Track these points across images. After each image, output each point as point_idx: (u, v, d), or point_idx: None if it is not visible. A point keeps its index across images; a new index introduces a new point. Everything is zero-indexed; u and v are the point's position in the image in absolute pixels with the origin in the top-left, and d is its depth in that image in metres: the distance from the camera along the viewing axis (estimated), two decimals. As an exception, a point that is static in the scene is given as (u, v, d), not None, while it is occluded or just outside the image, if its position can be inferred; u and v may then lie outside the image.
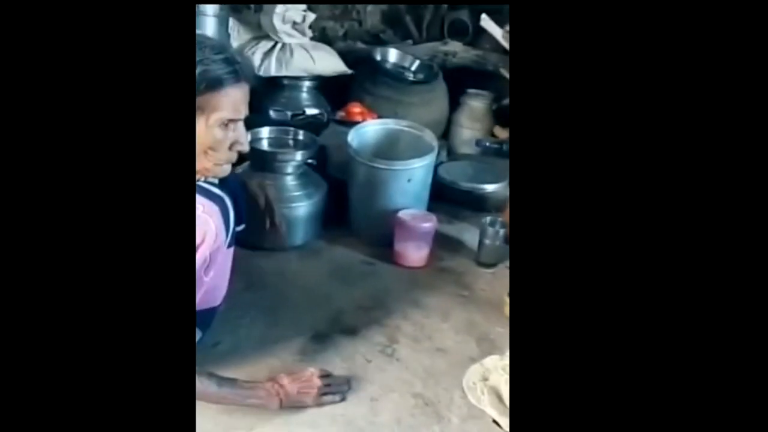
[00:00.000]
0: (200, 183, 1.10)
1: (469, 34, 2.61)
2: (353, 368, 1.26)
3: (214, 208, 1.08)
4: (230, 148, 1.08)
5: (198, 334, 1.21)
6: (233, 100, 1.04)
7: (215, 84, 1.01)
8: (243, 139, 1.09)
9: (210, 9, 1.99)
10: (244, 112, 1.08)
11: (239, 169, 1.61)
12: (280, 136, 1.77)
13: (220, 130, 1.05)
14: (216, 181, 1.14)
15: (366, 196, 1.73)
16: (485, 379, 1.18)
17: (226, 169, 1.12)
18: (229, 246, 1.18)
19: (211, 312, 1.23)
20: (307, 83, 2.24)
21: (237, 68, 1.04)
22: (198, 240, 1.06)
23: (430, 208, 1.78)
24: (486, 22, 2.34)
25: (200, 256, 1.06)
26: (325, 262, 1.66)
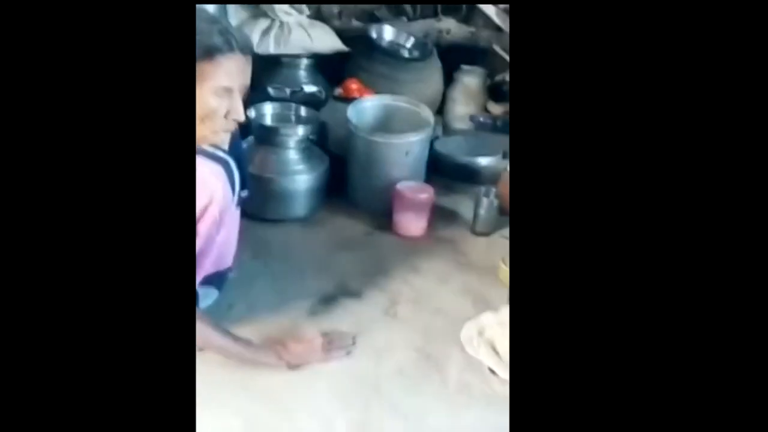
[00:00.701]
0: (204, 147, 1.14)
1: (463, 11, 2.67)
2: (358, 327, 1.35)
3: (219, 170, 1.14)
4: (226, 116, 1.10)
5: (214, 295, 1.29)
6: (227, 69, 1.06)
7: (208, 53, 1.03)
8: (238, 108, 1.10)
9: (209, -13, 2.04)
10: (239, 81, 1.10)
11: (244, 144, 1.67)
12: (283, 111, 1.84)
13: (214, 98, 1.07)
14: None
15: (365, 169, 1.81)
16: (481, 334, 1.28)
17: (224, 138, 1.16)
18: (237, 207, 1.25)
19: (224, 273, 1.30)
20: (304, 61, 2.29)
21: (230, 38, 1.06)
22: (206, 200, 1.12)
23: (427, 181, 1.86)
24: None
25: (210, 216, 1.14)
26: (328, 232, 1.74)
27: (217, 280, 1.28)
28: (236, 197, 1.21)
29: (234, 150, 1.23)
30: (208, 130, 1.11)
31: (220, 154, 1.16)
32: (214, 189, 1.13)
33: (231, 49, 1.06)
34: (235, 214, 1.25)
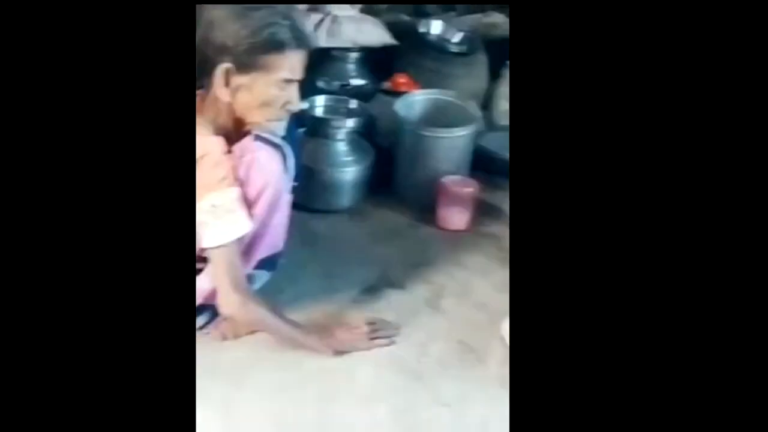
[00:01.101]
0: (261, 134, 1.20)
1: (511, 7, 2.66)
2: (401, 318, 1.39)
3: (276, 155, 1.20)
4: (282, 106, 1.18)
5: (266, 276, 1.34)
6: (292, 62, 1.15)
7: (279, 46, 1.12)
8: (295, 98, 1.19)
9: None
10: (299, 75, 1.18)
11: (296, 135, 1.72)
12: (333, 104, 1.88)
13: (276, 88, 1.15)
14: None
15: (411, 162, 1.83)
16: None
17: (277, 126, 1.22)
18: (290, 193, 1.30)
19: (276, 257, 1.35)
20: (353, 54, 2.32)
21: (300, 36, 1.16)
22: (262, 184, 1.18)
23: (471, 176, 1.87)
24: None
25: (266, 199, 1.19)
26: (373, 224, 1.77)
27: (269, 263, 1.33)
28: (290, 182, 1.26)
29: (289, 139, 1.28)
30: (263, 118, 1.18)
31: (277, 140, 1.21)
32: (270, 173, 1.18)
33: (299, 45, 1.15)
34: (287, 198, 1.30)
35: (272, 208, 1.22)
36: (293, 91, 1.18)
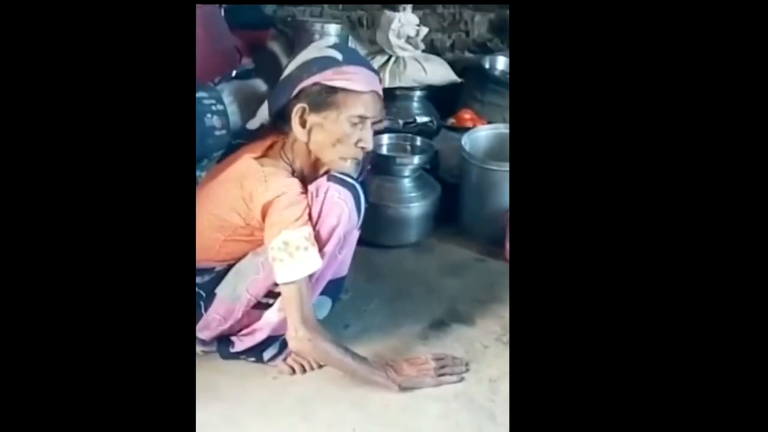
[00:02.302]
0: (335, 173, 1.23)
1: (577, 39, 2.63)
2: (471, 353, 1.35)
3: (348, 194, 1.22)
4: (356, 144, 1.22)
5: (328, 304, 1.35)
6: (366, 101, 1.20)
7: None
8: (368, 137, 1.23)
9: (332, 29, 2.18)
10: (372, 113, 1.22)
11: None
12: (399, 142, 1.91)
13: (349, 125, 1.19)
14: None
15: (478, 196, 1.82)
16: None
17: (350, 165, 1.24)
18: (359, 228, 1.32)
19: (340, 281, 1.36)
20: (418, 93, 2.36)
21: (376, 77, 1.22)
22: (334, 222, 1.20)
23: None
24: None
25: (336, 236, 1.21)
26: (439, 258, 1.76)
27: (331, 289, 1.33)
28: (360, 220, 1.28)
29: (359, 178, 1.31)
30: (337, 155, 1.22)
31: (350, 180, 1.24)
32: (342, 212, 1.21)
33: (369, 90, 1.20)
34: (356, 233, 1.32)
35: (341, 244, 1.24)
36: (367, 129, 1.22)
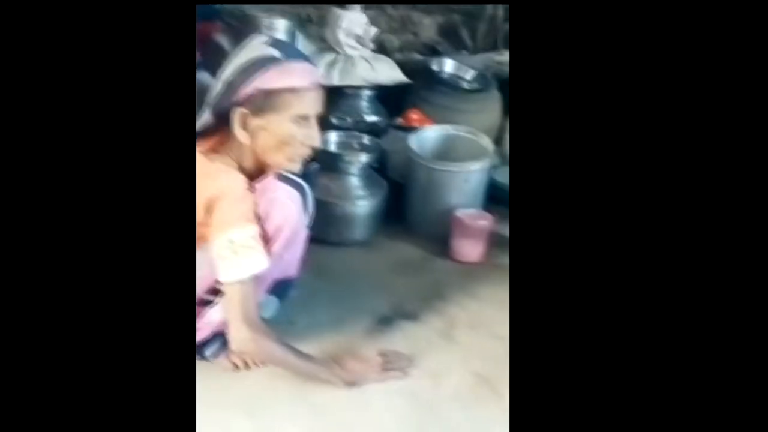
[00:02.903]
0: (282, 172, 1.22)
1: (522, 45, 2.71)
2: (416, 349, 1.37)
3: (296, 194, 1.21)
4: (302, 143, 1.20)
5: (275, 304, 1.34)
6: (309, 98, 1.18)
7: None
8: (314, 134, 1.21)
9: (281, 25, 2.16)
10: (315, 110, 1.20)
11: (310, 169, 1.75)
12: (346, 139, 1.92)
13: (293, 125, 1.17)
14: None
15: (425, 196, 1.84)
16: (540, 359, 1.27)
17: (298, 165, 1.23)
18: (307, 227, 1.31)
19: (288, 281, 1.35)
20: (367, 92, 2.37)
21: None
22: (280, 222, 1.19)
23: (485, 210, 1.88)
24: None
25: (283, 237, 1.20)
26: (386, 256, 1.77)
27: (279, 290, 1.33)
28: (309, 220, 1.27)
29: (307, 176, 1.30)
30: (284, 157, 1.20)
31: (298, 179, 1.23)
32: (289, 213, 1.19)
33: (311, 83, 1.18)
34: (304, 233, 1.31)
35: (288, 245, 1.23)
36: (312, 126, 1.20)
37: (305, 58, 1.25)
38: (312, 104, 1.19)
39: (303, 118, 1.18)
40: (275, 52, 1.17)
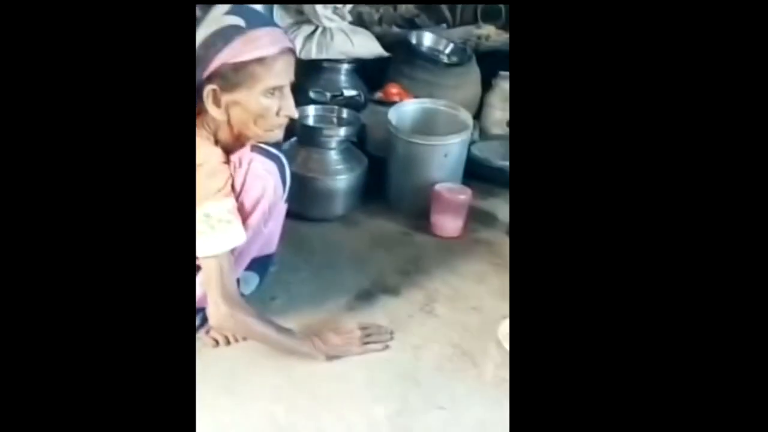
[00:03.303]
0: (259, 144, 1.20)
1: (502, 18, 2.69)
2: (396, 322, 1.38)
3: (272, 166, 1.19)
4: (277, 114, 1.16)
5: (255, 280, 1.34)
6: (276, 68, 1.11)
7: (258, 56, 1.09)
8: (289, 104, 1.16)
9: (257, -5, 2.11)
10: (288, 78, 1.15)
11: (286, 145, 1.73)
12: (325, 113, 1.89)
13: (265, 98, 1.12)
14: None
15: (404, 170, 1.84)
16: (519, 331, 1.29)
17: (277, 134, 1.20)
18: (286, 201, 1.29)
19: (266, 259, 1.35)
20: (345, 66, 2.34)
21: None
22: (258, 194, 1.17)
23: (464, 184, 1.88)
24: (519, 6, 2.43)
25: (260, 209, 1.18)
26: (366, 231, 1.77)
27: (259, 266, 1.32)
28: (286, 193, 1.26)
29: (283, 149, 1.29)
30: (261, 129, 1.17)
31: (273, 150, 1.21)
32: (266, 184, 1.18)
33: (279, 50, 1.12)
34: (282, 207, 1.30)
35: (266, 217, 1.22)
36: (286, 97, 1.17)
37: (270, 23, 1.20)
38: (283, 73, 1.14)
39: (276, 89, 1.14)
40: (238, 21, 1.11)
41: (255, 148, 1.19)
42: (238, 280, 1.28)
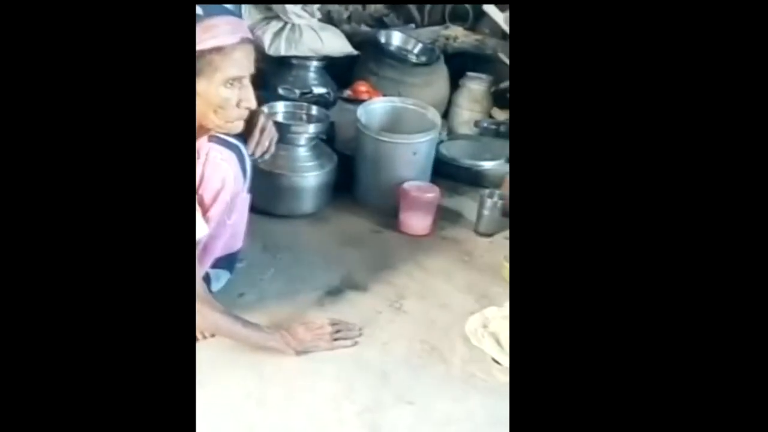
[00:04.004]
0: (217, 134, 1.18)
1: (470, 20, 2.73)
2: (365, 319, 1.39)
3: (232, 155, 1.18)
4: (238, 105, 1.14)
5: (226, 276, 1.33)
6: (236, 59, 1.09)
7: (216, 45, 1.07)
8: (249, 95, 1.14)
9: (225, -11, 2.09)
10: (248, 69, 1.13)
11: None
12: (294, 110, 1.89)
13: (225, 89, 1.10)
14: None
15: (373, 168, 1.85)
16: (485, 326, 1.32)
17: (238, 125, 1.18)
18: (247, 192, 1.27)
19: (234, 255, 1.34)
20: (314, 63, 2.34)
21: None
22: (218, 185, 1.16)
23: (432, 183, 1.90)
24: (489, 7, 2.46)
25: (222, 200, 1.17)
26: (335, 228, 1.78)
27: (227, 262, 1.31)
28: (247, 182, 1.25)
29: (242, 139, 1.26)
30: (222, 120, 1.15)
31: (232, 140, 1.19)
32: (226, 175, 1.17)
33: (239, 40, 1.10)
34: (245, 198, 1.28)
35: (229, 209, 1.21)
36: (245, 87, 1.13)
37: (229, 12, 1.19)
38: (242, 64, 1.11)
39: (235, 80, 1.11)
40: (197, 9, 1.09)
41: (212, 138, 1.17)
42: (208, 276, 1.27)
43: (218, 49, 1.08)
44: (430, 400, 1.19)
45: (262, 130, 1.27)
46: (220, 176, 1.15)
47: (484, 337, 1.29)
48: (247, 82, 1.14)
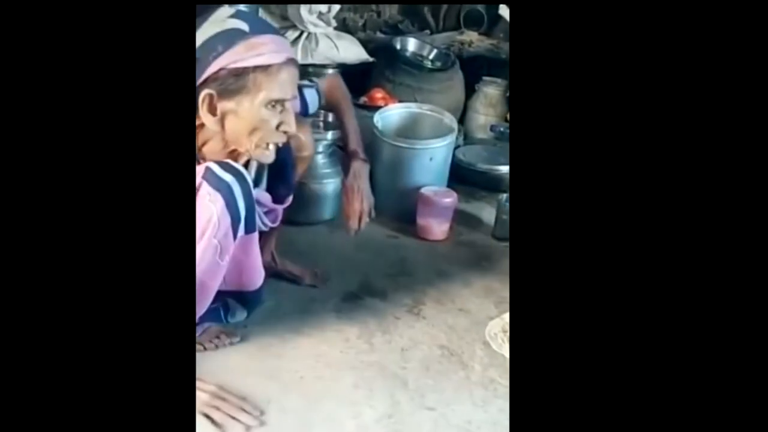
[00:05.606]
0: (211, 167, 1.08)
1: (484, 25, 2.73)
2: (384, 325, 1.39)
3: (218, 196, 1.07)
4: (277, 128, 1.10)
5: (243, 314, 1.29)
6: (281, 80, 1.06)
7: (263, 64, 1.05)
8: (290, 119, 1.10)
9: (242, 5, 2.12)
10: (291, 92, 1.09)
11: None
12: (312, 118, 1.90)
13: (266, 110, 1.07)
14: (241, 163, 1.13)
15: (390, 174, 1.85)
16: (506, 331, 1.31)
17: (269, 155, 1.12)
18: (249, 231, 1.15)
19: (248, 294, 1.26)
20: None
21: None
22: (203, 225, 1.07)
23: (449, 188, 1.90)
24: (505, 11, 2.47)
25: (206, 239, 1.08)
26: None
27: (239, 298, 1.26)
28: (243, 220, 1.12)
29: (282, 158, 1.20)
30: (253, 143, 1.10)
31: (225, 177, 1.08)
32: (210, 216, 1.08)
33: (286, 61, 1.08)
34: (248, 238, 1.16)
35: (219, 251, 1.10)
36: (287, 110, 1.09)
37: (275, 31, 1.17)
38: (287, 86, 1.08)
39: (278, 102, 1.07)
40: (242, 25, 1.06)
41: (207, 171, 1.08)
42: (218, 309, 1.25)
43: (263, 68, 1.05)
44: (450, 405, 1.18)
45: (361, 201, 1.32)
46: (206, 217, 1.07)
47: (505, 343, 1.28)
48: (289, 105, 1.10)
